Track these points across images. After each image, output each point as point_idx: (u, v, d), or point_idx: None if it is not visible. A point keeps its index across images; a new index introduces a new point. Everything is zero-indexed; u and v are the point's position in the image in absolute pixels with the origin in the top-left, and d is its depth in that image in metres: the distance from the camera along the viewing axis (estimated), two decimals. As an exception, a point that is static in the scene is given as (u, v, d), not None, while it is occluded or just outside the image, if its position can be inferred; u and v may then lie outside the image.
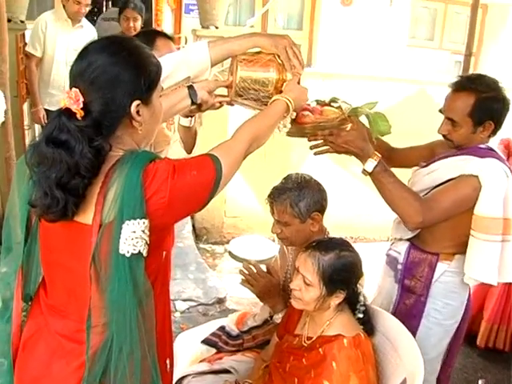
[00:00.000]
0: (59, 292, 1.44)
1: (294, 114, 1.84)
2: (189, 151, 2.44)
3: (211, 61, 1.80)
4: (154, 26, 6.23)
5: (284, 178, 2.20)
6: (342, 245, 1.93)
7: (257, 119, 1.67)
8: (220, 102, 1.90)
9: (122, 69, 1.33)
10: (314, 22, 7.98)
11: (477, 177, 2.02)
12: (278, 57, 1.81)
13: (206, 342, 2.42)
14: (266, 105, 1.80)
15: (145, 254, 1.29)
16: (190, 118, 2.20)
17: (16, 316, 1.48)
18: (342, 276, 1.86)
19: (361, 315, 1.93)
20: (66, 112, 1.29)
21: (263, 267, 2.37)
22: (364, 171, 2.02)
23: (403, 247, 2.27)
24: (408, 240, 2.27)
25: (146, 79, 1.36)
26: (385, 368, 1.91)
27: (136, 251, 1.27)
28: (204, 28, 5.13)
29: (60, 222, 1.33)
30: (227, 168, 1.43)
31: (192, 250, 4.74)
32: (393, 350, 1.91)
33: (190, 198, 1.37)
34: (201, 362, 2.31)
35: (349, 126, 1.98)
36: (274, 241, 4.93)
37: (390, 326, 1.98)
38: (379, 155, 2.01)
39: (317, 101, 2.07)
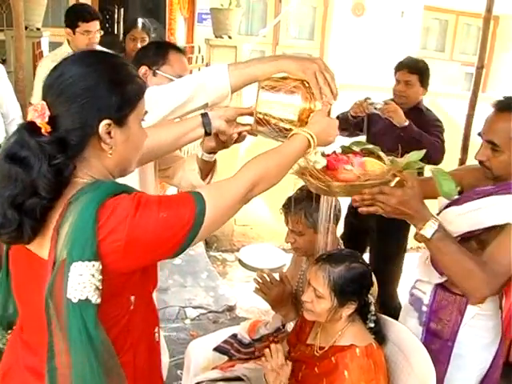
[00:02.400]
0: (31, 326, 1.30)
1: (320, 156, 1.64)
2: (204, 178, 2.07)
3: (231, 87, 1.62)
4: (167, 35, 6.28)
5: (299, 189, 2.22)
6: (351, 256, 1.95)
7: (267, 156, 1.42)
8: (240, 133, 1.71)
9: (94, 82, 1.20)
10: (326, 33, 8.05)
11: None
12: (307, 83, 1.58)
13: (218, 349, 2.44)
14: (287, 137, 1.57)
15: (95, 301, 1.12)
16: (212, 155, 1.93)
17: None
18: (353, 287, 1.87)
19: (372, 324, 1.95)
20: (30, 126, 1.17)
21: (276, 276, 2.39)
22: (420, 237, 1.75)
23: (429, 287, 2.07)
24: None
25: (120, 98, 1.21)
26: (396, 378, 1.92)
27: (83, 297, 1.11)
28: (217, 37, 5.18)
29: (24, 252, 1.22)
30: (214, 212, 1.24)
31: (203, 258, 4.77)
32: (404, 360, 1.92)
33: (154, 244, 1.18)
34: (213, 369, 2.32)
35: (394, 182, 1.68)
36: (284, 250, 4.96)
37: (401, 336, 1.99)
38: (438, 218, 1.76)
39: (342, 148, 1.81)
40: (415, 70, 3.35)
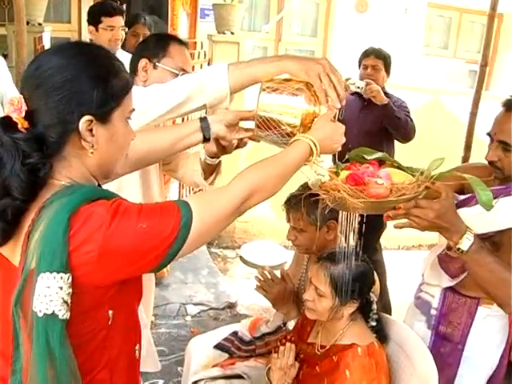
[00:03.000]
0: (1, 334, 1.19)
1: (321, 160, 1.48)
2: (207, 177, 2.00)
3: (230, 88, 1.52)
4: (169, 31, 6.26)
5: (301, 186, 2.21)
6: (353, 255, 1.93)
7: (264, 165, 1.31)
8: (241, 139, 1.62)
9: (75, 74, 1.11)
10: (329, 29, 8.02)
11: None
12: (312, 85, 1.48)
13: (218, 346, 2.43)
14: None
15: (62, 315, 1.03)
16: (215, 159, 1.85)
17: None
18: (354, 286, 1.86)
19: (374, 323, 1.94)
20: (5, 121, 1.09)
21: (277, 273, 2.38)
22: (457, 250, 1.65)
23: (437, 290, 2.03)
24: None
25: (102, 92, 1.12)
26: (398, 377, 1.91)
27: (49, 311, 1.02)
28: (219, 33, 5.16)
29: None
30: (201, 225, 1.14)
31: (204, 255, 4.76)
32: (406, 360, 1.90)
33: (131, 257, 1.09)
34: (213, 366, 2.32)
35: (423, 194, 1.57)
36: (285, 247, 4.95)
37: (403, 335, 1.98)
38: (472, 229, 1.67)
39: (350, 157, 1.70)
40: (381, 56, 3.69)
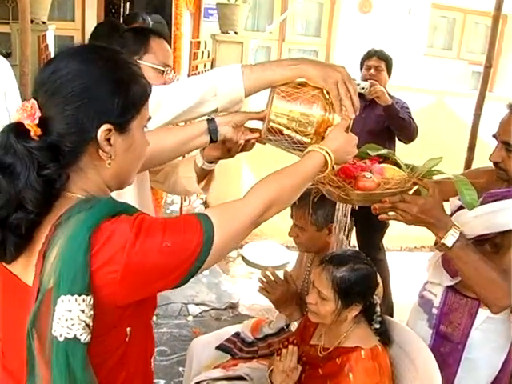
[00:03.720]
0: (12, 353, 1.14)
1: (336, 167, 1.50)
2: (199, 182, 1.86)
3: (245, 91, 1.45)
4: (172, 30, 6.26)
5: None
6: (356, 257, 1.92)
7: (281, 176, 1.28)
8: (248, 141, 1.55)
9: (94, 81, 1.04)
10: (332, 29, 8.02)
11: None
12: (328, 93, 1.45)
13: (220, 348, 2.42)
14: (301, 150, 1.46)
15: (84, 339, 0.97)
16: (213, 164, 1.74)
17: None
18: (357, 289, 1.85)
19: (377, 326, 1.93)
20: (17, 128, 1.02)
21: (280, 275, 2.38)
22: (442, 246, 1.70)
23: (440, 289, 2.04)
24: None
25: (123, 100, 1.07)
26: (401, 380, 1.91)
27: (71, 335, 0.96)
28: (223, 33, 5.16)
29: (7, 275, 1.09)
30: (222, 239, 1.10)
31: (205, 254, 4.74)
32: (409, 363, 1.90)
33: (154, 276, 1.04)
34: (215, 367, 2.31)
35: (413, 190, 1.65)
36: (287, 247, 4.94)
37: (406, 338, 1.97)
38: (459, 226, 1.71)
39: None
40: (383, 57, 3.72)
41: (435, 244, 1.75)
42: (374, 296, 1.94)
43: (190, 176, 1.80)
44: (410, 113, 3.63)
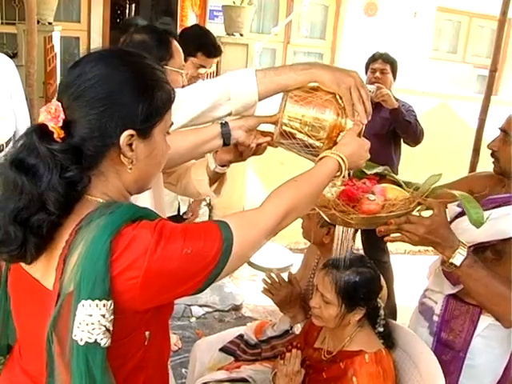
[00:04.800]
0: (30, 357, 1.16)
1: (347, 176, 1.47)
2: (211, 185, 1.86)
3: (259, 96, 1.45)
4: (178, 32, 6.28)
5: None
6: (359, 261, 1.92)
7: (298, 184, 1.27)
8: (260, 144, 1.55)
9: (118, 86, 1.05)
10: (338, 32, 8.02)
11: None
12: (340, 98, 1.45)
13: (224, 349, 2.42)
14: (313, 154, 1.47)
15: (104, 344, 0.98)
16: (225, 167, 1.73)
17: None
18: (361, 293, 1.85)
19: (381, 329, 1.93)
20: (41, 130, 1.03)
21: (285, 277, 2.38)
22: (450, 265, 1.66)
23: (440, 296, 2.03)
24: None
25: (147, 106, 1.07)
26: (404, 384, 1.91)
27: (91, 340, 0.97)
28: (228, 35, 5.17)
29: (26, 278, 1.09)
30: (241, 247, 1.10)
31: (209, 256, 4.74)
32: (413, 367, 1.90)
33: (174, 282, 1.05)
34: (219, 369, 2.31)
35: (417, 209, 1.62)
36: (291, 249, 4.94)
37: (410, 342, 1.97)
38: (466, 244, 1.68)
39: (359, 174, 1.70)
40: (388, 60, 3.70)
41: (442, 263, 1.72)
42: (378, 299, 1.94)
43: (202, 179, 1.80)
44: (415, 116, 3.61)
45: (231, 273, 1.14)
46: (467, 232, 1.79)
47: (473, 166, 3.60)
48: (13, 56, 4.70)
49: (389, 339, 1.93)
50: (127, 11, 11.04)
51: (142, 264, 0.98)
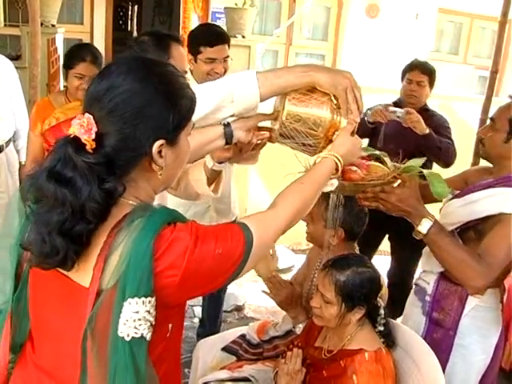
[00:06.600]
0: (47, 353, 1.19)
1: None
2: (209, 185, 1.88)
3: (260, 97, 1.49)
4: (181, 34, 6.30)
5: None
6: (358, 261, 1.95)
7: (303, 186, 1.37)
8: (260, 140, 1.61)
9: (149, 100, 1.09)
10: (339, 34, 8.03)
11: None
12: (335, 97, 1.52)
13: (226, 349, 2.44)
14: (309, 152, 1.58)
15: (148, 337, 1.04)
16: (223, 164, 1.78)
17: (2, 368, 1.25)
18: (361, 292, 1.87)
19: (381, 328, 1.95)
20: (74, 142, 1.05)
21: (288, 278, 2.39)
22: (417, 233, 1.86)
23: (432, 277, 2.14)
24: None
25: (176, 115, 1.12)
26: (404, 383, 1.92)
27: (138, 335, 1.03)
28: (231, 36, 5.14)
29: (53, 273, 1.11)
30: (258, 247, 1.17)
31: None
32: (413, 366, 1.91)
33: (206, 279, 1.12)
34: (221, 369, 2.33)
35: (397, 183, 1.84)
36: (293, 250, 4.95)
37: (410, 341, 1.99)
38: (433, 215, 1.87)
39: None
40: (426, 71, 3.44)
41: (413, 232, 1.88)
42: (378, 299, 1.96)
43: (199, 178, 1.84)
44: (449, 132, 3.40)
45: (247, 272, 1.19)
46: (453, 213, 2.05)
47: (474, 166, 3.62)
48: (16, 58, 4.72)
49: (389, 338, 1.95)
50: (130, 13, 11.08)
51: (182, 263, 1.04)
